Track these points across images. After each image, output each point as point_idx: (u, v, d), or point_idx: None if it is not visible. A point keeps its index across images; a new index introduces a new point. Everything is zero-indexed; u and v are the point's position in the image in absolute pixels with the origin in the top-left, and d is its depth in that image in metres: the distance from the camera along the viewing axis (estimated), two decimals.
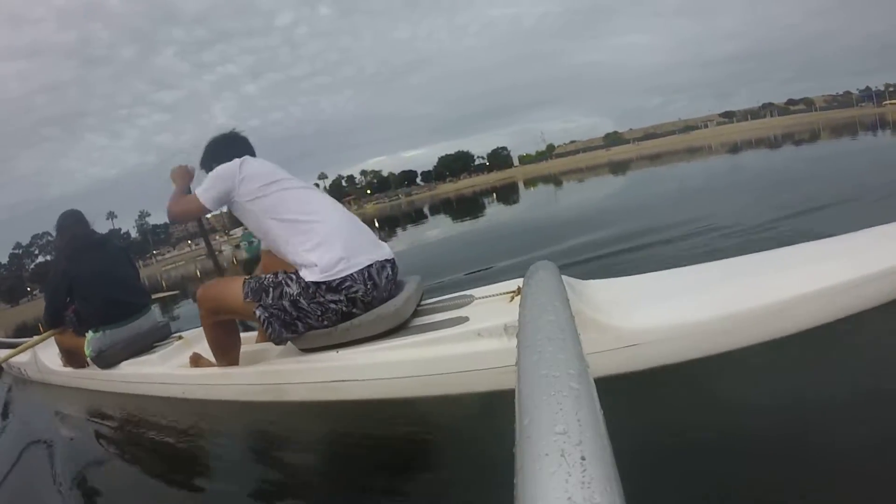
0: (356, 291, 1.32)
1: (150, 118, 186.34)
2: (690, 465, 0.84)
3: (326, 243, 1.34)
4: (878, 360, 1.00)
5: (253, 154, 1.63)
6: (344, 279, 1.31)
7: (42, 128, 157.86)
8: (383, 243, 1.50)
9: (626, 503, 0.37)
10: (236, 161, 1.46)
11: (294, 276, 1.35)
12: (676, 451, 0.88)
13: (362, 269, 1.34)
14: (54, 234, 2.28)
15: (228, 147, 1.60)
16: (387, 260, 1.43)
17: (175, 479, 1.35)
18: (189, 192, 1.61)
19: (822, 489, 0.74)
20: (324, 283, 1.31)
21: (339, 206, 1.54)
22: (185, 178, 1.68)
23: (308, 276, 1.32)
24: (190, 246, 67.00)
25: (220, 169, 1.45)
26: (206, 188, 1.45)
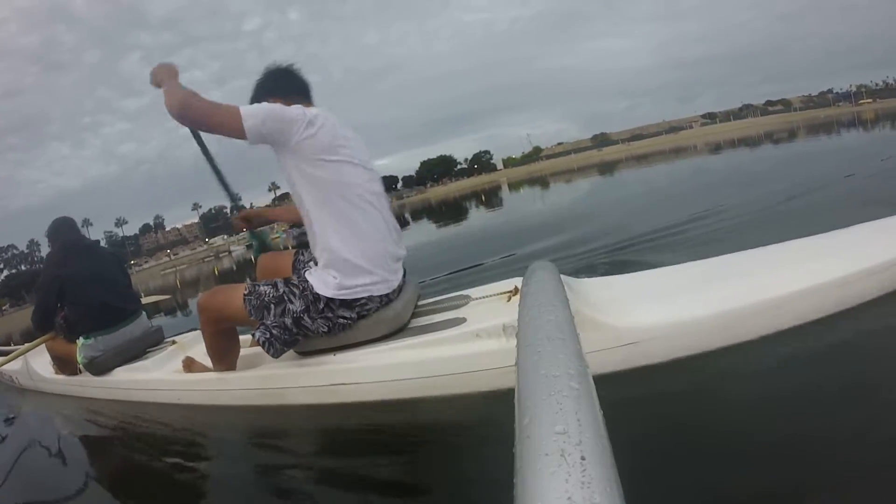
0: (369, 309, 1.30)
1: (114, 126, 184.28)
2: (690, 464, 0.84)
3: (362, 258, 1.25)
4: (875, 354, 1.01)
5: (310, 99, 1.43)
6: (360, 298, 1.27)
7: (5, 135, 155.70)
8: (403, 249, 1.42)
9: (625, 503, 0.37)
10: (306, 111, 1.23)
11: (298, 289, 1.29)
12: (676, 449, 0.88)
13: (382, 295, 1.31)
14: (46, 240, 2.27)
15: (288, 84, 1.39)
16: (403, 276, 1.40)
17: (172, 487, 1.33)
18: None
19: (821, 486, 0.74)
20: (338, 299, 1.26)
21: (387, 209, 1.39)
22: (173, 74, 1.32)
23: (322, 288, 1.25)
24: (168, 256, 66.48)
25: (285, 108, 1.22)
26: (256, 114, 1.17)
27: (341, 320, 1.28)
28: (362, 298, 1.27)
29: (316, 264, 1.34)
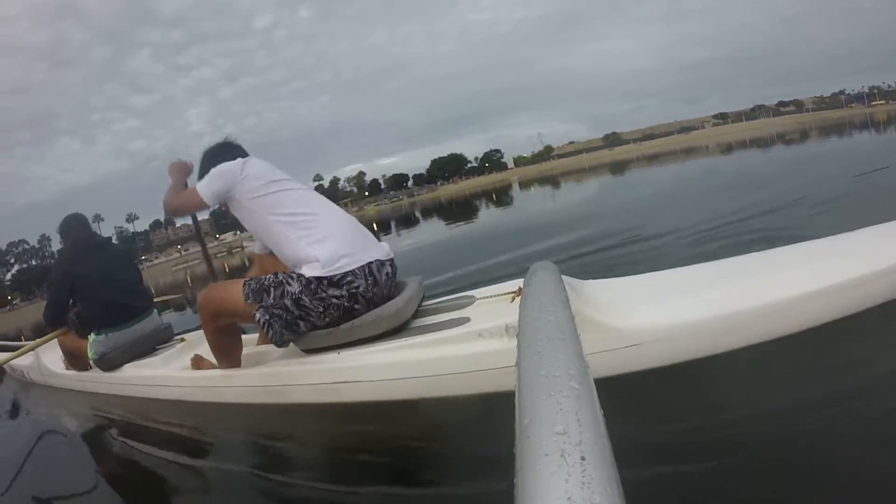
0: (357, 286, 1.33)
1: (124, 123, 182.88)
2: (690, 465, 0.84)
3: (328, 239, 1.36)
4: (880, 360, 1.00)
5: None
6: (345, 274, 1.32)
7: (13, 131, 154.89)
8: (383, 243, 1.51)
9: (625, 503, 0.37)
10: (239, 160, 1.50)
11: (294, 275, 1.35)
12: (677, 450, 0.88)
13: (363, 266, 1.35)
14: (59, 238, 2.30)
15: (225, 155, 1.62)
16: (387, 259, 1.44)
17: (178, 482, 1.35)
18: (186, 186, 1.65)
19: (822, 489, 0.73)
20: (325, 277, 1.31)
21: (337, 207, 1.56)
22: (182, 172, 1.71)
23: (309, 271, 1.33)
24: (179, 252, 67.09)
25: (223, 166, 1.48)
26: (207, 183, 1.48)
27: (334, 300, 1.32)
28: (347, 275, 1.33)
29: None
